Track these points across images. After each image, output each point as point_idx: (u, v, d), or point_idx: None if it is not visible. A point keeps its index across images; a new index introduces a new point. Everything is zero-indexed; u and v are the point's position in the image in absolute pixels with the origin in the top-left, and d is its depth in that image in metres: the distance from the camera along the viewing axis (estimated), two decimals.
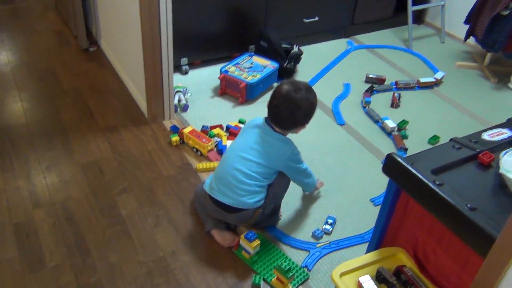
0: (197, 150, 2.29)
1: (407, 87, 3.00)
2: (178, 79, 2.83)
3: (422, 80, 3.02)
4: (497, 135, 1.54)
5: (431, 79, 3.04)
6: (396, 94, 2.83)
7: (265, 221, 1.91)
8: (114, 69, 2.93)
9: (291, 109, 1.74)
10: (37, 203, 1.96)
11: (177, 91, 2.61)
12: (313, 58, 3.24)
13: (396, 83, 2.99)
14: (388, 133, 2.53)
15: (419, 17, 3.93)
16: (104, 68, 2.94)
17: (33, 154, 2.21)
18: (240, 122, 2.51)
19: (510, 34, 2.93)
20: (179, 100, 2.60)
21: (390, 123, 2.55)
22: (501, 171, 1.33)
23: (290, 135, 1.85)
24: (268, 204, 1.81)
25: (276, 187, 1.83)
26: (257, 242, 1.75)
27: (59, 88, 2.71)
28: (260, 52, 3.00)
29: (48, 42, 3.18)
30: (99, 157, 2.23)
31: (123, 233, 1.86)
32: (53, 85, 2.73)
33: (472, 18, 3.18)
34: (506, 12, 2.89)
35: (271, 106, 1.79)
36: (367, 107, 2.74)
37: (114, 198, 2.01)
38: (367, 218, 2.02)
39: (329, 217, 1.98)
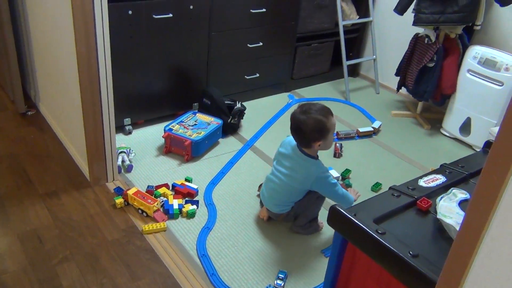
0: (143, 211, 2.23)
1: (348, 137, 3.11)
2: (121, 140, 2.80)
3: (361, 130, 3.16)
4: (432, 181, 1.62)
5: (369, 129, 3.18)
6: (337, 144, 2.93)
7: (305, 230, 2.21)
8: (54, 133, 2.85)
9: (299, 128, 2.03)
10: None
11: (121, 152, 2.57)
12: (256, 113, 3.32)
13: (337, 133, 3.10)
14: None
15: (354, 71, 4.15)
16: (43, 132, 2.86)
17: None
18: (186, 180, 2.48)
19: (437, 84, 3.15)
20: (123, 161, 2.55)
21: (334, 173, 2.62)
22: (439, 216, 1.39)
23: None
24: (291, 213, 2.18)
25: (304, 202, 2.16)
26: None
27: None
28: (204, 109, 3.03)
29: None
30: (38, 225, 2.12)
31: None
32: None
33: (402, 71, 3.40)
34: (431, 64, 3.12)
35: (291, 130, 2.10)
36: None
37: (54, 268, 1.90)
38: (318, 270, 2.02)
39: (280, 272, 1.97)
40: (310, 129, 2.00)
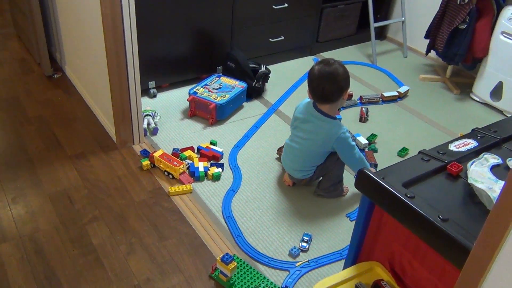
0: (169, 174, 2.26)
1: (372, 102, 3.05)
2: (146, 103, 2.81)
3: (386, 94, 3.09)
4: (463, 146, 1.58)
5: (394, 93, 3.11)
6: (363, 109, 2.88)
7: (329, 193, 2.21)
8: (80, 95, 2.88)
9: (332, 79, 2.00)
10: (3, 237, 1.88)
11: (146, 115, 2.58)
12: (281, 77, 3.28)
13: (360, 98, 3.05)
14: (361, 149, 2.56)
15: (381, 34, 4.04)
16: (70, 95, 2.89)
17: None
18: (211, 143, 2.49)
19: (468, 47, 3.04)
20: (148, 124, 2.57)
21: (362, 140, 2.58)
22: (470, 181, 1.36)
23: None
24: (314, 177, 2.19)
25: (325, 165, 2.15)
26: (234, 265, 1.72)
27: (23, 117, 2.64)
28: (228, 72, 3.01)
29: (10, 71, 3.11)
30: (67, 186, 2.17)
31: (95, 263, 1.81)
32: (17, 114, 2.66)
33: (431, 33, 3.29)
34: (463, 26, 3.01)
35: (313, 88, 2.04)
36: None
37: (85, 227, 1.96)
38: (343, 234, 2.02)
39: (305, 234, 1.98)
40: (343, 77, 2.02)
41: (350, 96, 3.05)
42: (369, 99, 3.05)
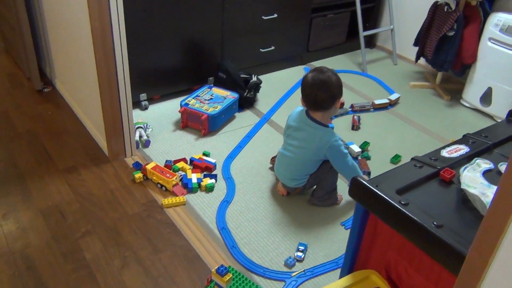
0: (162, 186, 2.24)
1: (363, 110, 3.06)
2: (138, 115, 2.80)
3: (377, 102, 3.10)
4: (455, 151, 1.59)
5: (385, 101, 3.13)
6: (355, 117, 2.89)
7: (323, 202, 2.20)
8: (71, 109, 2.87)
9: (325, 87, 2.00)
10: None
11: (138, 127, 2.57)
12: (272, 86, 3.28)
13: (352, 106, 3.06)
14: (354, 157, 2.55)
15: (370, 42, 4.07)
16: (60, 109, 2.87)
17: None
18: (204, 154, 2.48)
19: (457, 53, 3.07)
20: (140, 136, 2.56)
21: (355, 148, 2.57)
22: (463, 186, 1.36)
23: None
24: (307, 186, 2.19)
25: (318, 173, 2.14)
26: (229, 276, 1.71)
27: (13, 131, 2.62)
28: (219, 83, 3.01)
29: (0, 86, 3.09)
30: (59, 200, 2.15)
31: (88, 278, 1.78)
32: (7, 129, 2.64)
33: (420, 40, 3.32)
34: (451, 33, 3.04)
35: (306, 96, 2.06)
36: None
37: (77, 242, 1.93)
38: (338, 242, 2.02)
39: (300, 244, 1.97)
40: (336, 85, 2.03)
41: (342, 104, 3.06)
42: (360, 107, 3.06)
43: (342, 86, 2.07)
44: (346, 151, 2.10)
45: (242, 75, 3.02)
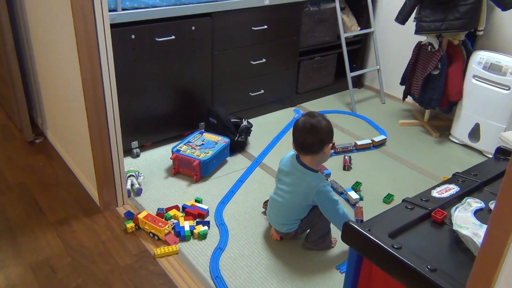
0: (154, 235, 2.22)
1: (346, 151, 3.06)
2: (129, 163, 2.80)
3: (359, 143, 3.11)
4: (446, 191, 1.59)
5: (368, 141, 3.13)
6: (347, 157, 2.90)
7: (316, 246, 2.18)
8: (63, 159, 2.86)
9: (314, 131, 2.01)
10: None
11: (129, 176, 2.56)
12: (263, 129, 3.31)
13: (333, 147, 2.98)
14: (352, 204, 2.52)
15: (358, 82, 4.15)
16: (52, 159, 2.87)
17: None
18: (196, 201, 2.47)
19: (443, 91, 3.13)
20: (132, 185, 2.55)
21: (354, 195, 2.53)
22: (454, 227, 1.36)
23: None
24: (299, 230, 2.17)
25: (310, 218, 2.13)
26: None
27: (3, 184, 2.60)
28: (210, 128, 3.03)
29: None
30: (50, 254, 2.11)
31: None
32: None
33: (406, 80, 3.39)
34: (436, 72, 3.11)
35: (296, 139, 2.06)
36: (328, 180, 2.70)
37: None
38: (334, 287, 1.98)
39: None
40: (325, 130, 2.04)
41: (333, 145, 3.06)
42: (342, 148, 3.07)
43: (332, 131, 2.07)
44: (335, 198, 2.06)
45: (233, 120, 3.05)
